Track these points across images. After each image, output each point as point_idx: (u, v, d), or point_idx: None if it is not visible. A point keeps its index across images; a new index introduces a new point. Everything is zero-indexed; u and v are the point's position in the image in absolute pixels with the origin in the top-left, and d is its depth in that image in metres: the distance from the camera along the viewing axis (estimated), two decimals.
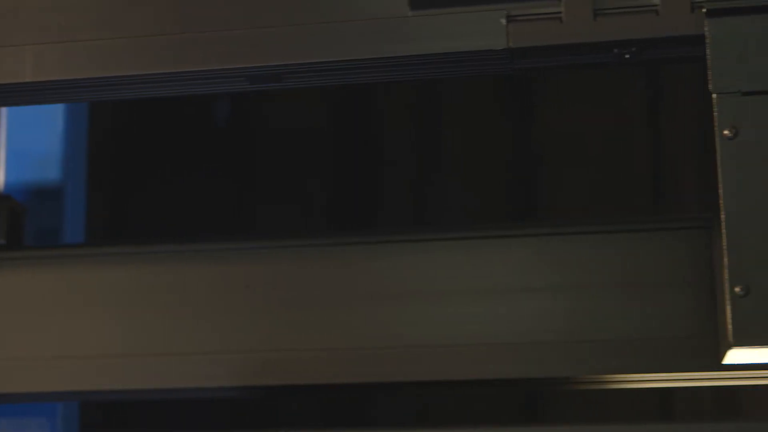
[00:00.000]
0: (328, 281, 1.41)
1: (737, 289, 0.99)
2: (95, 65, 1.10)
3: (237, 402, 1.74)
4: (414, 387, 1.54)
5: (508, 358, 1.36)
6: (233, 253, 1.35)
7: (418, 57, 1.09)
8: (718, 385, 1.29)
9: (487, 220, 1.81)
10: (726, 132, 1.01)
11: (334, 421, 1.77)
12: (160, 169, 1.87)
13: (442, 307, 1.39)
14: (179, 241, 1.37)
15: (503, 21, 1.07)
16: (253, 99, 1.86)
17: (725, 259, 1.00)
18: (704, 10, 1.03)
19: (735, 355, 1.01)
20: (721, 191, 1.00)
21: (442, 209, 1.84)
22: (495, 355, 1.36)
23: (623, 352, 1.28)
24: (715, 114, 1.01)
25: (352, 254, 1.43)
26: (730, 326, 0.99)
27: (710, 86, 1.01)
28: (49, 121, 1.71)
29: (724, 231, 1.00)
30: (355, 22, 1.10)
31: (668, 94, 1.80)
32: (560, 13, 1.06)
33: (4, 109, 1.67)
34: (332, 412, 1.78)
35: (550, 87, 1.85)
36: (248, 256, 1.35)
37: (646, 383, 1.39)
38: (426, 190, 1.85)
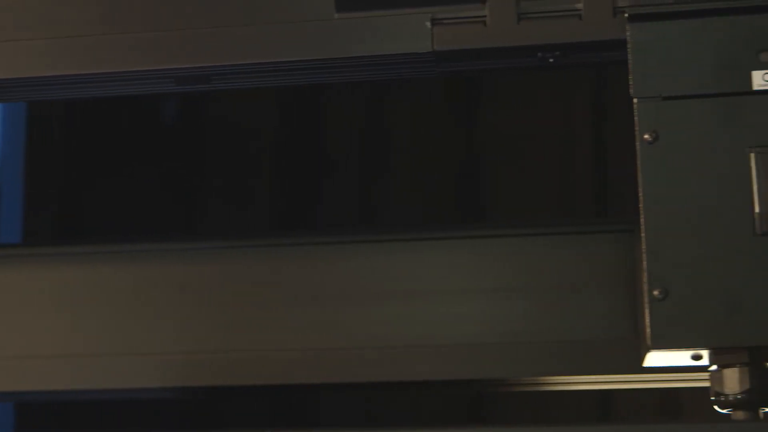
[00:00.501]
0: (267, 282, 1.41)
1: (656, 293, 1.00)
2: (17, 66, 1.09)
3: (173, 403, 1.74)
4: (358, 388, 1.55)
5: (444, 360, 1.37)
6: (168, 253, 1.35)
7: (343, 59, 1.09)
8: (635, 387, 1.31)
9: (431, 221, 1.82)
10: (646, 136, 1.02)
11: (277, 423, 1.77)
12: (104, 168, 1.86)
13: (379, 309, 1.39)
14: (115, 241, 1.37)
15: (428, 24, 1.07)
16: (201, 98, 1.86)
17: (644, 263, 1.00)
18: (626, 14, 1.03)
19: (654, 358, 1.02)
20: (641, 195, 1.01)
21: (387, 210, 1.84)
22: (430, 357, 1.37)
23: (552, 354, 1.29)
24: (636, 118, 1.02)
25: (295, 255, 1.44)
26: (648, 329, 0.99)
27: (631, 91, 1.02)
28: None
29: (643, 234, 1.00)
30: (281, 24, 1.09)
31: (612, 97, 1.81)
32: (485, 16, 1.07)
33: None
34: (276, 413, 1.78)
35: (497, 88, 1.86)
36: (183, 256, 1.35)
37: (579, 386, 1.40)
38: (371, 190, 1.85)
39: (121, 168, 1.84)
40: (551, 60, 1.07)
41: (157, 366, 1.34)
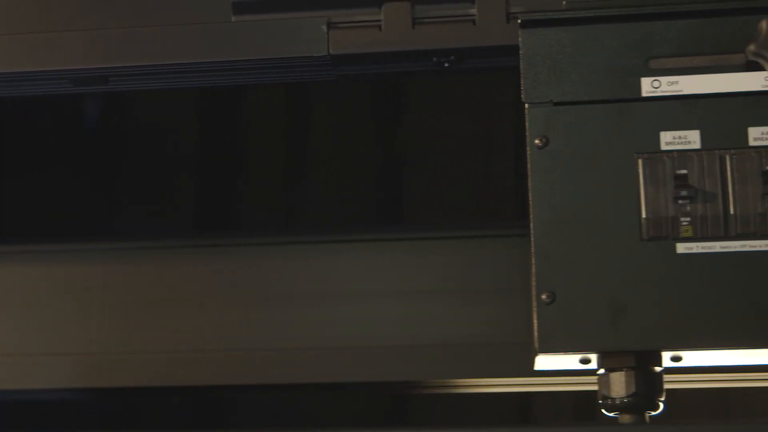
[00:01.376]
0: (184, 283, 1.41)
1: (543, 296, 1.00)
2: None
3: (74, 404, 1.73)
4: (271, 390, 1.55)
5: (354, 362, 1.38)
6: (74, 254, 1.35)
7: (241, 62, 1.10)
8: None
9: (351, 223, 1.82)
10: (537, 141, 1.02)
11: (185, 425, 1.77)
12: (21, 168, 1.85)
13: (291, 311, 1.40)
14: (19, 242, 1.36)
15: (324, 28, 1.08)
16: (122, 97, 1.85)
17: (533, 267, 1.01)
18: (519, 21, 1.04)
19: (543, 362, 1.03)
20: (530, 200, 1.02)
21: (307, 212, 1.84)
22: (337, 359, 1.37)
23: (451, 357, 1.30)
24: (527, 123, 1.03)
25: (213, 256, 1.44)
26: (535, 333, 1.00)
27: (522, 96, 1.03)
28: None
29: (532, 239, 1.01)
30: (179, 26, 1.10)
31: None
32: (380, 21, 1.07)
33: None
34: (186, 415, 1.77)
35: (420, 90, 1.87)
36: (89, 257, 1.35)
37: (497, 388, 1.41)
38: (291, 192, 1.85)
39: (38, 168, 1.83)
40: (446, 65, 1.08)
41: (67, 367, 1.34)
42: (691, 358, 1.01)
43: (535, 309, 1.00)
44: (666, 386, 1.29)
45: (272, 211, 1.84)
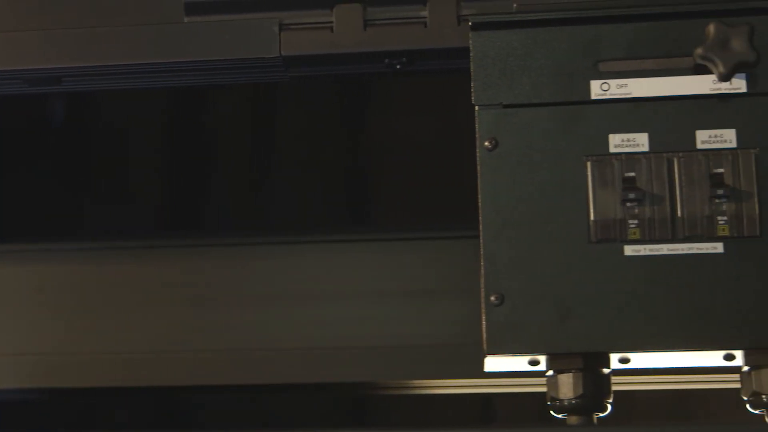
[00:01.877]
0: (146, 283, 1.41)
1: (492, 298, 1.01)
2: None
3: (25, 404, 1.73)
4: (233, 390, 1.55)
5: (315, 363, 1.38)
6: (27, 254, 1.35)
7: (194, 63, 1.10)
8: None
9: (317, 225, 1.82)
10: (486, 143, 1.03)
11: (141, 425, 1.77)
12: None
13: (252, 312, 1.40)
14: None
15: (275, 29, 1.08)
16: (86, 96, 1.85)
17: (482, 269, 1.01)
18: (470, 23, 1.04)
19: (492, 363, 1.03)
20: (480, 202, 1.02)
21: (271, 213, 1.84)
22: (302, 360, 1.38)
23: (406, 358, 1.31)
24: (477, 126, 1.03)
25: (177, 256, 1.44)
26: (484, 335, 1.01)
27: (472, 98, 1.03)
28: None
29: (481, 241, 1.02)
30: (131, 26, 1.10)
31: None
32: (332, 23, 1.08)
33: None
34: (140, 415, 1.77)
35: (388, 91, 1.87)
36: (42, 257, 1.35)
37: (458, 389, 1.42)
38: (256, 192, 1.85)
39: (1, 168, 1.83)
40: (398, 66, 1.08)
41: (20, 367, 1.34)
42: (639, 360, 1.02)
43: (483, 311, 1.01)
44: (629, 388, 1.30)
45: (239, 211, 1.84)
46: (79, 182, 1.84)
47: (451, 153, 1.84)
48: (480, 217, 1.02)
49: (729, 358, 1.01)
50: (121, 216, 1.83)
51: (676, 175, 1.00)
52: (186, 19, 1.09)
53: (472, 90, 1.03)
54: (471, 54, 1.04)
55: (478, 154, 1.03)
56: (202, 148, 1.85)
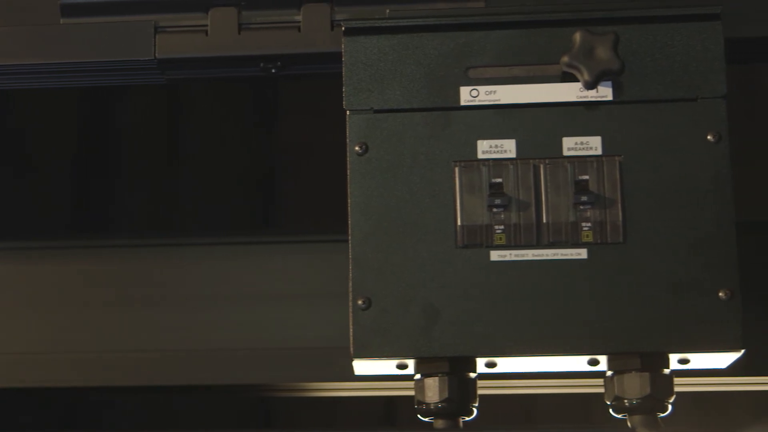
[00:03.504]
0: (42, 285, 1.41)
1: (360, 302, 1.01)
2: None
3: None
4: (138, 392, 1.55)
5: (221, 364, 1.38)
6: None
7: (70, 64, 1.10)
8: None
9: (226, 226, 1.82)
10: (356, 148, 1.03)
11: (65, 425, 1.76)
12: None
13: (161, 314, 1.40)
14: None
15: (150, 32, 1.08)
16: None
17: (350, 272, 1.02)
18: (343, 28, 1.05)
19: (361, 367, 1.03)
20: (349, 206, 1.03)
21: (183, 214, 1.84)
22: (209, 361, 1.38)
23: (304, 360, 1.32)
24: (347, 130, 1.04)
25: (86, 257, 1.44)
26: (351, 338, 1.01)
27: (344, 103, 1.04)
28: None
29: (350, 244, 1.02)
30: (7, 27, 1.09)
31: None
32: (206, 26, 1.08)
33: None
34: (44, 416, 1.77)
35: (295, 94, 1.87)
36: None
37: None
38: (166, 194, 1.85)
39: None
40: (273, 70, 1.09)
41: None
42: (506, 364, 1.03)
43: (351, 314, 1.01)
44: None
45: (147, 212, 1.84)
46: None
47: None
48: (349, 221, 1.02)
49: (593, 362, 1.02)
50: (30, 216, 1.83)
51: (542, 182, 1.01)
52: (62, 21, 1.09)
53: (343, 94, 1.04)
54: (343, 59, 1.04)
55: (348, 159, 1.03)
56: (110, 148, 1.85)
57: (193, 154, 1.85)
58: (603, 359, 1.01)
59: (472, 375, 1.03)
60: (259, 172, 1.84)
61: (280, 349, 1.37)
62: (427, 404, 1.02)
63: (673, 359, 1.01)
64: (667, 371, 1.01)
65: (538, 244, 1.01)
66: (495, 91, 1.03)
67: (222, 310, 1.40)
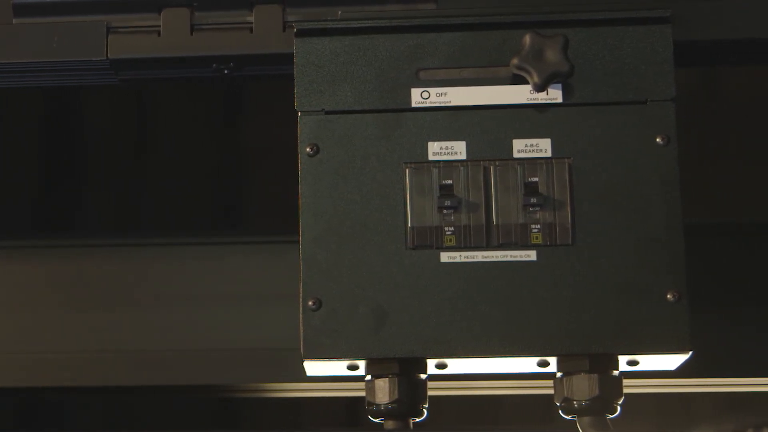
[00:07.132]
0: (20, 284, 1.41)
1: (310, 303, 1.01)
2: None
3: None
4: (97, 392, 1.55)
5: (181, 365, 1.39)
6: None
7: (22, 64, 1.09)
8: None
9: (189, 227, 1.82)
10: (308, 149, 1.03)
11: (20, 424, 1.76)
12: None
13: (123, 314, 1.40)
14: None
15: (103, 32, 1.08)
16: None
17: (301, 273, 1.02)
18: (295, 29, 1.05)
19: (312, 368, 1.04)
20: (300, 207, 1.03)
21: (147, 215, 1.84)
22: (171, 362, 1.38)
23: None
24: (299, 131, 1.04)
25: (43, 258, 1.44)
26: (302, 339, 1.01)
27: (295, 104, 1.04)
28: None
29: (300, 245, 1.02)
30: None
31: None
32: (159, 26, 1.08)
33: None
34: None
35: (262, 95, 1.87)
36: None
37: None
38: (130, 194, 1.85)
39: None
40: (226, 71, 1.09)
41: None
42: (456, 365, 1.03)
43: (302, 315, 1.01)
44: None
45: (109, 212, 1.84)
46: None
47: None
48: (299, 222, 1.03)
49: (543, 364, 1.02)
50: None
51: (493, 183, 1.02)
52: (15, 21, 1.09)
53: (294, 95, 1.04)
54: (295, 60, 1.04)
55: (299, 160, 1.03)
56: (74, 147, 1.85)
57: (160, 153, 1.84)
58: (553, 360, 1.02)
59: (423, 376, 1.03)
60: (226, 171, 1.84)
61: (237, 349, 1.38)
62: (378, 405, 1.03)
63: (622, 361, 1.01)
64: (616, 373, 1.01)
65: (488, 246, 1.01)
66: (446, 93, 1.03)
67: (184, 311, 1.40)
